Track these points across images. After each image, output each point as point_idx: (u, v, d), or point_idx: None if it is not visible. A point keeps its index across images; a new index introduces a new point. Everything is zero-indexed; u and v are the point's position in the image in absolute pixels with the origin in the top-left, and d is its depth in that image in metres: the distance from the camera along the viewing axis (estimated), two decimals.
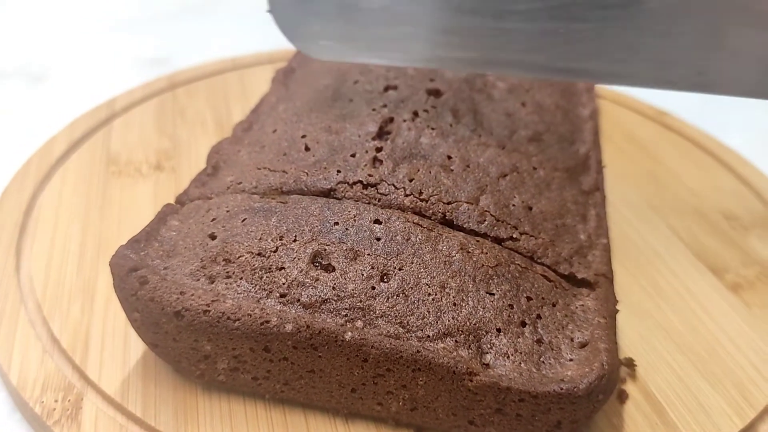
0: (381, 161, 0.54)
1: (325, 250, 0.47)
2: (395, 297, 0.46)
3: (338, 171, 0.53)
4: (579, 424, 0.45)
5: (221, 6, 1.09)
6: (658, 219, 0.68)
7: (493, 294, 0.47)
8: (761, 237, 0.66)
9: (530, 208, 0.54)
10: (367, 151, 0.54)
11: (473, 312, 0.46)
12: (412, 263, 0.47)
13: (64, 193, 0.66)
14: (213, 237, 0.49)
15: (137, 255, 0.48)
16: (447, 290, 0.46)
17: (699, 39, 0.52)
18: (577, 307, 0.49)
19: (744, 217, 0.69)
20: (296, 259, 0.47)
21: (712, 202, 0.70)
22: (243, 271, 0.47)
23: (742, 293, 0.60)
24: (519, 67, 0.57)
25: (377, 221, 0.49)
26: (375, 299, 0.45)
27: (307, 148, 0.56)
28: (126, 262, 0.47)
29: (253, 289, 0.46)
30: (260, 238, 0.48)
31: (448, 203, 0.52)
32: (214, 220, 0.51)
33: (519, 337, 0.46)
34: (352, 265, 0.47)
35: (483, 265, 0.48)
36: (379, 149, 0.55)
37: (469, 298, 0.46)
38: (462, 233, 0.51)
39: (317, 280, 0.46)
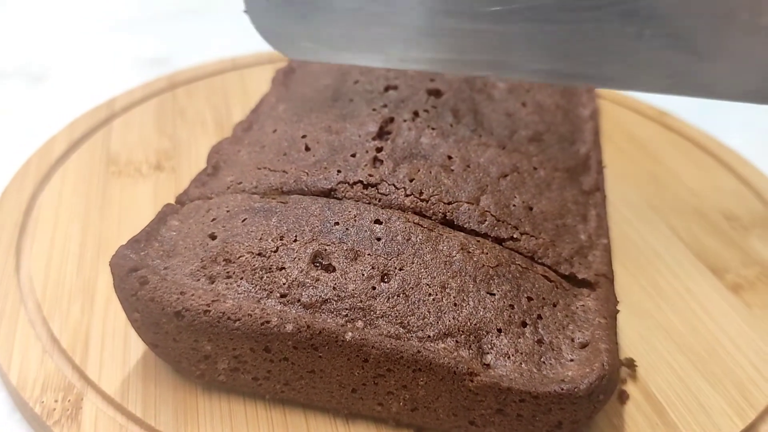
0: (381, 161, 0.54)
1: (326, 250, 0.47)
2: (396, 297, 0.46)
3: (338, 171, 0.53)
4: (580, 424, 0.45)
5: (221, 6, 1.09)
6: (658, 219, 0.68)
7: (494, 294, 0.47)
8: (761, 237, 0.66)
9: (531, 209, 0.54)
10: (367, 151, 0.54)
11: (474, 312, 0.46)
12: (413, 263, 0.47)
13: (64, 193, 0.66)
14: (213, 237, 0.49)
15: (137, 255, 0.48)
16: (447, 290, 0.46)
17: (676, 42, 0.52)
18: (577, 308, 0.49)
19: (744, 218, 0.69)
20: (297, 259, 0.47)
21: (712, 202, 0.70)
22: (243, 271, 0.47)
23: (743, 293, 0.60)
24: (493, 68, 0.57)
25: (378, 221, 0.49)
26: (375, 299, 0.45)
27: (307, 148, 0.56)
28: (126, 262, 0.47)
29: (253, 289, 0.46)
30: (260, 238, 0.48)
31: (449, 203, 0.52)
32: (214, 220, 0.51)
33: (520, 338, 0.46)
34: (352, 265, 0.47)
35: (483, 266, 0.48)
36: (379, 149, 0.55)
37: (470, 299, 0.46)
38: (462, 233, 0.51)
39: (318, 280, 0.46)
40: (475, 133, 0.58)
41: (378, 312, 0.45)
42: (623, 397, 0.51)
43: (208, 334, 0.46)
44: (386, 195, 0.52)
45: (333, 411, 0.49)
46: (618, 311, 0.50)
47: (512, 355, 0.45)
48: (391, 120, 0.58)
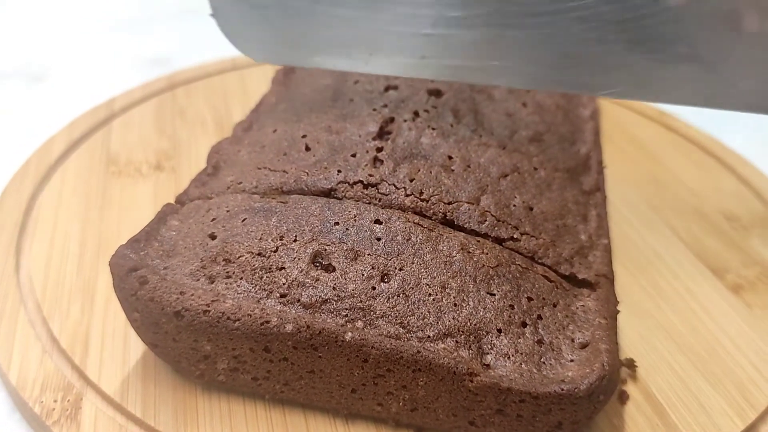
0: (382, 161, 0.54)
1: (326, 250, 0.47)
2: (396, 297, 0.46)
3: (339, 171, 0.53)
4: (580, 424, 0.45)
5: None
6: (658, 219, 0.68)
7: (494, 294, 0.47)
8: (762, 237, 0.66)
9: (531, 209, 0.54)
10: (367, 151, 0.54)
11: (474, 312, 0.46)
12: (413, 263, 0.47)
13: (63, 193, 0.66)
14: (213, 237, 0.49)
15: (137, 255, 0.48)
16: (447, 290, 0.46)
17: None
18: (577, 308, 0.49)
19: (744, 218, 0.69)
20: (296, 259, 0.47)
21: (712, 202, 0.70)
22: (243, 271, 0.47)
23: (743, 294, 0.60)
24: (459, 73, 0.57)
25: (378, 221, 0.49)
26: (375, 299, 0.45)
27: (307, 148, 0.56)
28: (126, 262, 0.47)
29: (253, 289, 0.46)
30: (260, 238, 0.48)
31: (449, 203, 0.52)
32: (214, 220, 0.51)
33: (520, 338, 0.46)
34: (352, 265, 0.47)
35: (484, 266, 0.48)
36: (379, 149, 0.55)
37: (470, 299, 0.46)
38: (463, 233, 0.50)
39: (317, 280, 0.46)
40: (476, 133, 0.58)
41: (378, 312, 0.45)
42: (623, 397, 0.51)
43: (208, 334, 0.46)
44: (386, 195, 0.52)
45: (332, 411, 0.49)
46: (618, 311, 0.50)
47: (512, 356, 0.45)
48: (392, 120, 0.58)
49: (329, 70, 0.64)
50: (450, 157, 0.55)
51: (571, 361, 0.45)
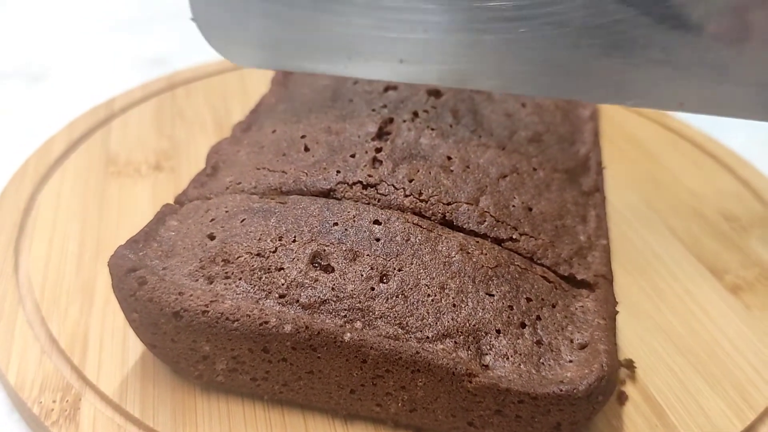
0: (381, 162, 0.54)
1: (325, 250, 0.47)
2: (394, 298, 0.46)
3: (338, 171, 0.53)
4: (578, 425, 0.45)
5: None
6: (657, 220, 0.68)
7: (493, 295, 0.47)
8: (761, 238, 0.66)
9: (530, 209, 0.54)
10: (366, 152, 0.54)
11: (473, 313, 0.46)
12: (412, 264, 0.47)
13: (62, 193, 0.66)
14: (212, 237, 0.49)
15: (136, 255, 0.48)
16: (446, 291, 0.46)
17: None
18: (576, 309, 0.49)
19: (744, 218, 0.69)
20: (295, 259, 0.47)
21: (711, 203, 0.70)
22: (242, 272, 0.47)
23: (742, 295, 0.60)
24: (436, 77, 0.58)
25: (377, 222, 0.49)
26: (374, 300, 0.45)
27: (306, 149, 0.56)
28: (124, 263, 0.47)
29: (252, 290, 0.46)
30: (259, 239, 0.48)
31: (448, 204, 0.52)
32: (213, 220, 0.51)
33: (518, 339, 0.46)
34: (351, 266, 0.47)
35: (482, 266, 0.48)
36: (378, 150, 0.55)
37: (469, 299, 0.46)
38: (462, 234, 0.50)
39: (316, 280, 0.46)
40: (475, 134, 0.58)
41: (377, 313, 0.45)
42: (622, 398, 0.51)
43: (207, 335, 0.46)
44: (385, 195, 0.52)
45: (331, 412, 0.49)
46: (617, 312, 0.50)
47: (511, 356, 0.45)
48: (391, 120, 0.58)
49: None
50: (449, 158, 0.55)
51: (570, 361, 0.45)
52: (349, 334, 0.44)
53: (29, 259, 0.59)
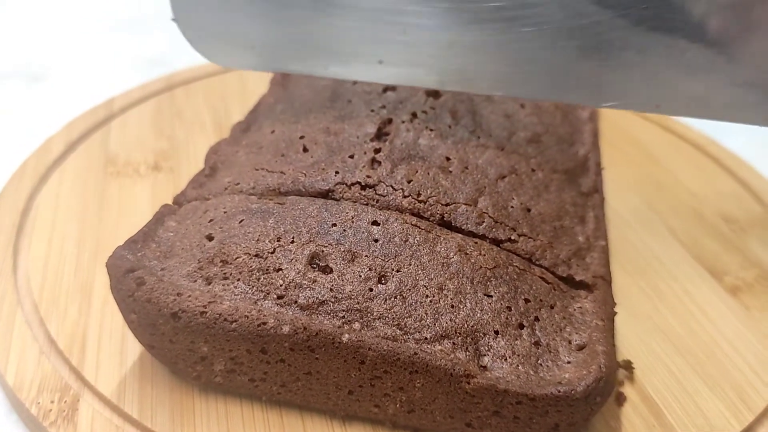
0: (379, 162, 0.54)
1: (323, 251, 0.47)
2: (393, 299, 0.46)
3: (336, 172, 0.53)
4: (576, 426, 0.45)
5: None
6: (657, 221, 0.68)
7: (491, 296, 0.47)
8: (760, 239, 0.66)
9: (529, 210, 0.54)
10: (365, 153, 0.54)
11: (471, 314, 0.46)
12: (410, 265, 0.47)
13: (61, 193, 0.66)
14: (210, 238, 0.49)
15: (134, 256, 0.48)
16: (445, 292, 0.46)
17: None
18: (575, 310, 0.49)
19: (743, 220, 0.68)
20: (294, 260, 0.47)
21: (711, 204, 0.70)
22: (240, 273, 0.47)
23: (741, 296, 0.60)
24: (415, 79, 0.58)
25: (375, 223, 0.49)
26: (372, 301, 0.45)
27: (305, 149, 0.55)
28: (123, 263, 0.47)
29: (250, 291, 0.46)
30: (258, 240, 0.48)
31: (447, 205, 0.52)
32: (211, 221, 0.51)
33: (517, 340, 0.46)
34: (349, 267, 0.47)
35: (481, 267, 0.48)
36: (377, 150, 0.54)
37: (467, 300, 0.46)
38: (460, 235, 0.50)
39: (315, 281, 0.46)
40: (474, 135, 0.58)
41: (375, 314, 0.45)
42: (620, 399, 0.51)
43: (205, 336, 0.46)
44: (384, 196, 0.52)
45: (330, 413, 0.49)
46: (615, 313, 0.50)
47: (509, 357, 0.45)
48: (390, 121, 0.58)
49: None
50: (448, 159, 0.55)
51: (568, 362, 0.45)
52: (347, 335, 0.44)
53: (28, 259, 0.59)
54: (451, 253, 0.48)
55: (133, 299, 0.46)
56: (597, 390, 0.43)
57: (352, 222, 0.49)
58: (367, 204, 0.51)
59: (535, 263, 0.51)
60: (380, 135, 0.56)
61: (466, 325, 0.45)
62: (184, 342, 0.47)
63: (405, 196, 0.52)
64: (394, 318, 0.45)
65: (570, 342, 0.47)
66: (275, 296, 0.46)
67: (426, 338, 0.44)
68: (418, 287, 0.46)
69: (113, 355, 0.52)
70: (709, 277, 0.62)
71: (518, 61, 0.55)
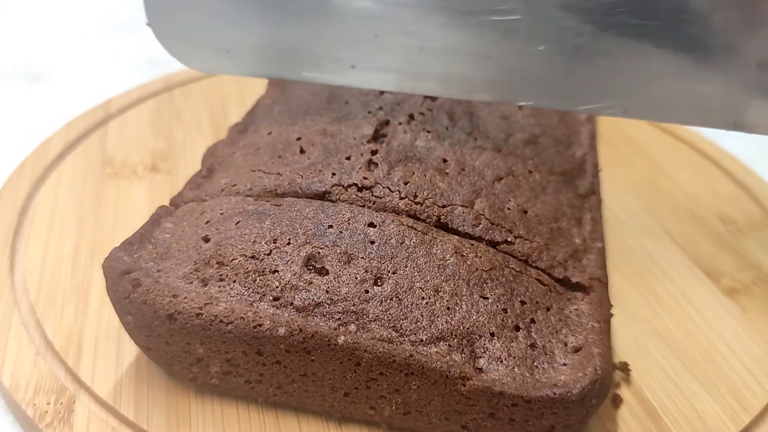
0: (376, 164, 0.54)
1: (319, 253, 0.47)
2: (389, 301, 0.46)
3: (333, 174, 0.53)
4: (573, 428, 0.45)
5: None
6: (654, 223, 0.68)
7: (487, 298, 0.47)
8: (758, 241, 0.66)
9: (525, 212, 0.54)
10: (362, 154, 0.54)
11: (467, 316, 0.46)
12: (406, 267, 0.47)
13: (59, 194, 0.66)
14: (207, 240, 0.49)
15: (130, 257, 0.48)
16: (441, 294, 0.46)
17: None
18: (571, 312, 0.49)
19: (740, 221, 0.68)
20: (290, 262, 0.47)
21: (708, 205, 0.70)
22: (236, 274, 0.47)
23: (738, 298, 0.60)
24: (389, 83, 0.58)
25: (371, 224, 0.49)
26: (368, 303, 0.45)
27: (302, 151, 0.55)
28: (119, 265, 0.47)
29: (246, 292, 0.46)
30: (254, 241, 0.48)
31: (443, 206, 0.52)
32: (208, 222, 0.51)
33: (512, 342, 0.46)
34: (345, 269, 0.47)
35: (477, 269, 0.48)
36: (374, 152, 0.54)
37: (463, 302, 0.46)
38: (456, 237, 0.50)
39: (311, 283, 0.46)
40: (471, 136, 0.58)
41: (371, 315, 0.45)
42: (617, 401, 0.51)
43: (201, 337, 0.46)
44: (380, 198, 0.52)
45: (325, 414, 0.49)
46: (612, 315, 0.50)
47: (505, 359, 0.45)
48: (387, 123, 0.58)
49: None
50: (444, 160, 0.55)
51: (564, 365, 0.45)
52: (342, 337, 0.44)
53: (25, 260, 0.59)
54: (448, 255, 0.48)
55: (129, 301, 0.46)
56: (593, 392, 0.43)
57: (349, 224, 0.49)
58: (363, 206, 0.51)
59: (531, 265, 0.51)
60: (377, 137, 0.56)
61: (461, 327, 0.45)
62: (180, 344, 0.47)
63: (401, 198, 0.52)
64: (390, 320, 0.45)
65: (566, 344, 0.47)
66: (271, 298, 0.46)
67: (422, 340, 0.44)
68: (414, 289, 0.46)
69: (109, 356, 0.52)
70: (706, 279, 0.62)
71: (488, 65, 0.55)
